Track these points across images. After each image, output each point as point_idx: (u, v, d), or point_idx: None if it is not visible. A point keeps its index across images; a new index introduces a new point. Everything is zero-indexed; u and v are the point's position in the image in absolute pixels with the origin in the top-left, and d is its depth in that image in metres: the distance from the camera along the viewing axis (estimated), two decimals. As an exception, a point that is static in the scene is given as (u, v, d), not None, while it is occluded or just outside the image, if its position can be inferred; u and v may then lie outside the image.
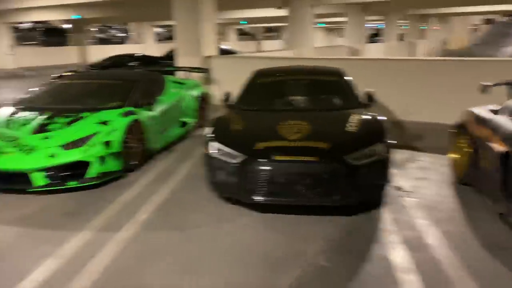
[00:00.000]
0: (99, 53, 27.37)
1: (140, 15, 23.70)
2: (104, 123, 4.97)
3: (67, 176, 4.61)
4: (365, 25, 18.52)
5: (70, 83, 6.40)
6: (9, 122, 5.07)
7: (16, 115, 5.22)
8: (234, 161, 3.94)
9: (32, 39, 33.13)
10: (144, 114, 5.59)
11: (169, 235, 3.64)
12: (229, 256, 3.30)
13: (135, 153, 5.29)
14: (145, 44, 30.65)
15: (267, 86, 5.30)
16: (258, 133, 4.18)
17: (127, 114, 5.26)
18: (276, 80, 5.41)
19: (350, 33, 18.37)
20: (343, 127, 4.16)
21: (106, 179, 4.80)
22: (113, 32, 35.71)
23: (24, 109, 5.40)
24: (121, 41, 34.41)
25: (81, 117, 5.06)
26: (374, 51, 18.66)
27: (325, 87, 5.17)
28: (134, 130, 5.26)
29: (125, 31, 39.42)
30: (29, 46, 30.56)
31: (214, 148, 4.11)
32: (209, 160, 4.16)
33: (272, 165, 3.77)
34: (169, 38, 38.03)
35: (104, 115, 5.12)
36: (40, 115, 5.13)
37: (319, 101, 5.03)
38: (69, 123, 4.96)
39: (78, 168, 4.65)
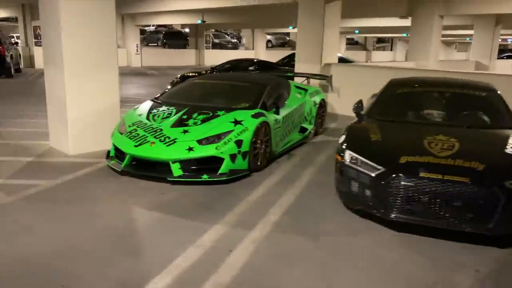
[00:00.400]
0: (214, 57, 28.95)
1: (257, 22, 24.51)
2: (238, 122, 5.12)
3: (202, 170, 4.84)
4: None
5: (203, 83, 6.76)
6: (150, 115, 5.48)
7: (157, 109, 5.62)
8: (371, 173, 3.76)
9: (155, 41, 36.22)
10: (271, 117, 5.67)
11: (301, 240, 3.59)
12: (368, 272, 3.13)
13: (260, 155, 5.38)
14: (256, 50, 31.63)
15: (405, 97, 5.01)
16: (401, 146, 3.93)
17: (257, 115, 5.37)
18: (416, 91, 5.08)
19: (477, 47, 16.86)
20: (501, 148, 3.73)
21: (234, 176, 4.94)
22: (227, 38, 37.51)
23: (162, 104, 5.81)
24: (234, 46, 35.95)
25: (217, 115, 5.29)
26: (504, 68, 16.88)
27: (474, 102, 4.72)
28: (261, 132, 5.35)
29: (238, 37, 41.17)
30: (152, 48, 33.44)
31: (350, 157, 3.97)
32: (343, 170, 4.02)
33: (417, 182, 3.51)
34: (279, 45, 38.87)
35: (237, 114, 5.29)
36: (178, 110, 5.46)
37: (467, 117, 4.60)
38: (206, 120, 5.21)
39: (211, 163, 4.85)
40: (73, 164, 5.49)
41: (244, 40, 37.32)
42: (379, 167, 3.73)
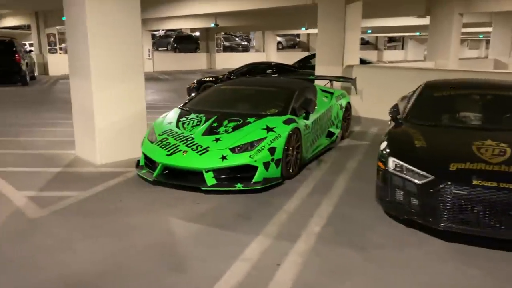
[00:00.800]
0: (225, 60, 28.89)
1: (268, 24, 24.39)
2: (270, 129, 5.01)
3: (235, 178, 4.73)
4: None
5: (229, 89, 6.65)
6: (180, 123, 5.38)
7: (186, 117, 5.52)
8: (419, 181, 3.62)
9: (164, 46, 36.25)
10: (301, 123, 5.55)
11: (349, 252, 3.45)
12: (424, 287, 2.98)
13: (292, 162, 5.25)
14: (267, 52, 31.50)
15: (445, 100, 4.84)
16: (449, 152, 3.78)
17: (289, 122, 5.25)
18: (456, 94, 4.91)
19: (496, 45, 16.57)
20: (558, 153, 3.56)
21: (268, 185, 4.82)
22: (237, 40, 37.44)
23: (190, 112, 5.71)
24: (244, 49, 35.87)
25: (248, 122, 5.18)
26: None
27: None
28: (293, 138, 5.23)
29: (247, 39, 41.07)
30: (163, 52, 33.48)
31: (394, 164, 3.83)
32: (387, 177, 3.88)
33: (470, 191, 3.36)
34: (289, 47, 38.73)
35: (269, 121, 5.18)
36: (208, 118, 5.36)
37: (513, 120, 4.43)
38: (237, 127, 5.10)
39: (244, 171, 4.74)
40: (102, 174, 5.41)
41: (254, 42, 37.23)
42: (427, 174, 3.58)
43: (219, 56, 29.61)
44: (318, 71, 9.94)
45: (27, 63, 17.13)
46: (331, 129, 6.83)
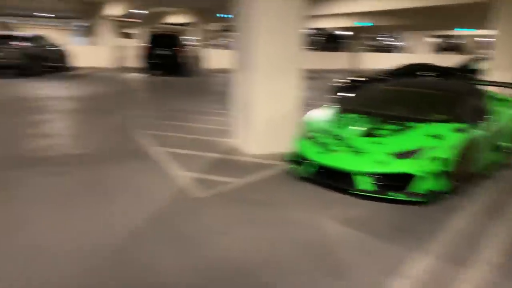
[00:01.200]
0: (370, 60, 27.89)
1: (422, 24, 22.74)
2: (436, 137, 4.56)
3: (391, 187, 4.42)
4: None
5: (390, 89, 6.28)
6: (334, 122, 5.26)
7: (341, 116, 5.37)
8: None
9: (310, 44, 36.62)
10: (471, 133, 4.92)
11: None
12: None
13: (459, 174, 4.69)
14: (418, 54, 29.44)
15: None
16: None
17: (458, 130, 4.71)
18: None
19: None
20: None
21: (432, 198, 4.38)
22: (383, 40, 35.92)
23: (346, 111, 5.53)
24: (391, 49, 34.22)
25: (411, 127, 4.80)
26: None
27: None
28: (461, 149, 4.66)
29: (394, 39, 39.06)
30: (307, 50, 33.90)
31: None
32: None
33: None
34: (445, 49, 35.66)
35: (435, 128, 4.72)
36: (366, 119, 5.12)
37: None
38: (398, 132, 4.76)
39: (402, 180, 4.40)
40: (256, 164, 5.61)
41: (401, 42, 35.18)
42: None
43: (364, 56, 28.72)
44: (494, 77, 8.78)
45: (188, 57, 19.01)
46: (504, 143, 5.94)
